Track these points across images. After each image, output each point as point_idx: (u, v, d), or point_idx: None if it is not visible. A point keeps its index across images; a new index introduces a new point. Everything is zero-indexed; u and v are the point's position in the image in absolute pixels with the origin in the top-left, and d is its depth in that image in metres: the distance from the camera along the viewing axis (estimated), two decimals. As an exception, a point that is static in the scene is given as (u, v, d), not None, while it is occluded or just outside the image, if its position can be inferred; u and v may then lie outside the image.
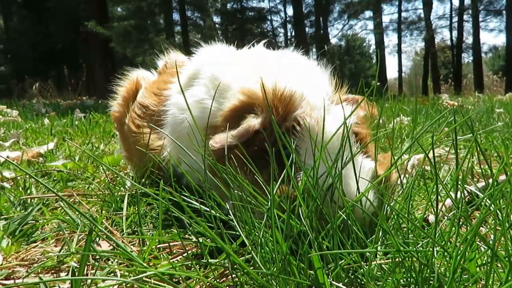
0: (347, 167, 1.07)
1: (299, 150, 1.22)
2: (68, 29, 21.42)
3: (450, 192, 1.10)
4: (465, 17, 28.88)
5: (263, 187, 1.07)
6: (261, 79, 1.29)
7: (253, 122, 1.25)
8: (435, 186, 0.91)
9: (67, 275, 1.20)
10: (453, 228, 0.87)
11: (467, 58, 32.93)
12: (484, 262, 0.85)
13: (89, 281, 1.08)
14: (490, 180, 1.29)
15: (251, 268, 0.97)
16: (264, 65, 1.49)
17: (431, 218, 1.33)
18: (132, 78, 2.21)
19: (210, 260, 1.00)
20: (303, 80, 1.38)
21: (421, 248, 0.84)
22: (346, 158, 1.06)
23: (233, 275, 0.93)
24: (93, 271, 1.18)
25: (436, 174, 0.84)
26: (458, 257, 0.72)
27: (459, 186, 0.96)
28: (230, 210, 1.00)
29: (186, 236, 1.36)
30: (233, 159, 1.19)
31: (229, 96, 1.40)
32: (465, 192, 1.38)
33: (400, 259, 0.79)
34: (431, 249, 0.77)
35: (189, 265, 1.09)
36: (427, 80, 28.96)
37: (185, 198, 1.16)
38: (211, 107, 1.33)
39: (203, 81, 1.54)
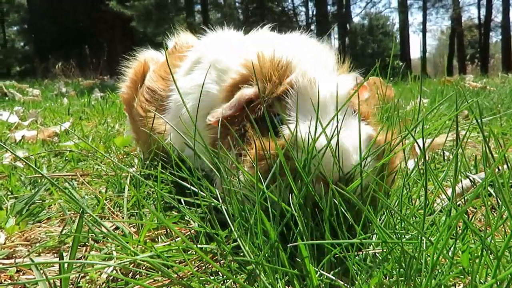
0: (342, 129, 1.05)
1: (290, 113, 1.18)
2: (89, 8, 21.56)
3: (451, 180, 1.06)
4: (494, -6, 27.80)
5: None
6: (260, 51, 1.30)
7: (245, 91, 1.26)
8: (431, 177, 0.88)
9: (67, 255, 1.22)
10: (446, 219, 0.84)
11: (495, 37, 31.84)
12: (477, 255, 0.82)
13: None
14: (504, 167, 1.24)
15: (241, 254, 0.97)
16: (265, 44, 1.46)
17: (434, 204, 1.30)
18: (140, 60, 2.19)
19: (200, 246, 1.00)
20: (303, 53, 1.35)
21: (411, 240, 0.81)
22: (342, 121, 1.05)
23: (222, 261, 0.92)
24: (92, 252, 1.20)
25: (425, 169, 0.81)
26: (439, 247, 0.69)
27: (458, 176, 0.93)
28: (219, 196, 1.00)
29: (186, 218, 1.37)
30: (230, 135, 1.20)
31: (228, 78, 1.38)
32: (470, 179, 1.34)
33: (388, 250, 0.77)
34: (418, 240, 0.75)
35: (184, 248, 1.09)
36: (452, 60, 28.14)
37: (183, 184, 1.16)
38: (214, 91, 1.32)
39: (204, 65, 1.53)
